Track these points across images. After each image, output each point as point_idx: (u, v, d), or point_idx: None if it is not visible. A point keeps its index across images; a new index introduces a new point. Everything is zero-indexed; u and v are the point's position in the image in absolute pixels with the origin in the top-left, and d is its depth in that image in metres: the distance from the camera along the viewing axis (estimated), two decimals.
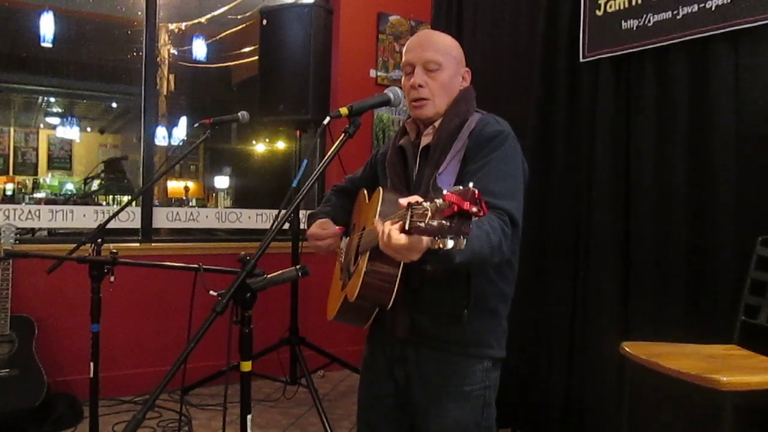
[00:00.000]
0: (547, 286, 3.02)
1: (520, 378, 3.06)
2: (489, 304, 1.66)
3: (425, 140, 1.71)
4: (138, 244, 3.90)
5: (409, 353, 1.70)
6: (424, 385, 1.69)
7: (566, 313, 2.94)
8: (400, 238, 1.16)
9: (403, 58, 1.74)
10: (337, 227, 1.85)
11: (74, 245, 2.45)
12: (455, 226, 1.01)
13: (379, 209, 1.57)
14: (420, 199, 1.11)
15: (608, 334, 2.68)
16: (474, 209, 1.01)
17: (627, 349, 2.23)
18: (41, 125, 8.71)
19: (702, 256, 2.45)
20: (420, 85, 1.67)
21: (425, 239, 1.12)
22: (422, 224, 1.05)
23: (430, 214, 1.04)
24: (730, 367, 2.01)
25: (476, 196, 1.02)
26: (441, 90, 1.68)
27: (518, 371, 3.03)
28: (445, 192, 1.04)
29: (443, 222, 1.02)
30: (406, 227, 1.11)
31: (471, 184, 1.04)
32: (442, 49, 1.71)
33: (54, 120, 8.63)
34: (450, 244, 1.03)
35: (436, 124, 1.70)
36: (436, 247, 1.05)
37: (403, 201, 1.15)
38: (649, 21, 2.63)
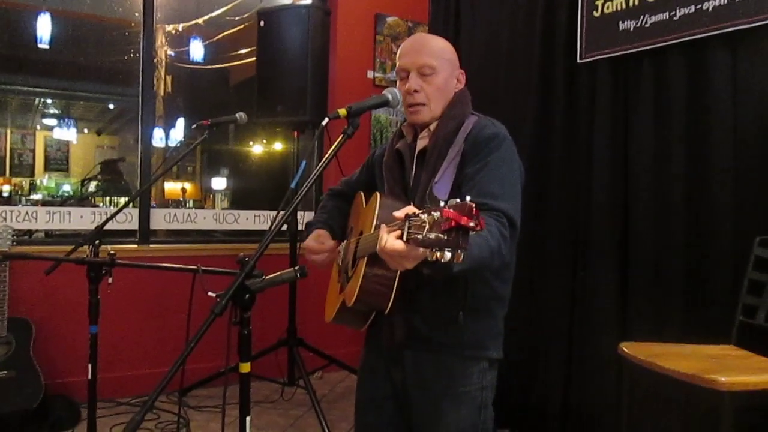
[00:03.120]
0: (545, 286, 3.03)
1: (519, 379, 3.06)
2: (485, 306, 1.66)
3: (421, 143, 1.71)
4: (136, 246, 3.89)
5: (406, 356, 1.70)
6: (421, 387, 1.69)
7: (564, 313, 2.94)
8: (397, 244, 1.18)
9: (398, 63, 1.74)
10: (334, 242, 1.84)
11: (72, 247, 2.44)
12: (453, 240, 1.03)
13: (376, 214, 1.57)
14: (417, 211, 1.12)
15: (606, 334, 2.68)
16: (471, 224, 1.03)
17: (625, 350, 2.23)
18: (38, 127, 8.69)
19: (700, 257, 2.45)
20: (415, 90, 1.67)
21: (422, 249, 1.13)
22: (420, 236, 1.06)
23: (427, 226, 1.05)
24: (729, 368, 2.01)
25: (474, 211, 1.03)
26: (436, 94, 1.69)
27: (516, 372, 3.03)
28: (442, 204, 1.05)
29: (440, 235, 1.03)
30: (404, 238, 1.13)
31: (468, 198, 1.06)
32: (436, 52, 1.71)
33: (51, 121, 8.61)
34: (448, 256, 1.04)
35: (432, 126, 1.70)
36: (434, 258, 1.06)
37: (400, 213, 1.17)
38: (646, 22, 2.64)
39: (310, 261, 1.83)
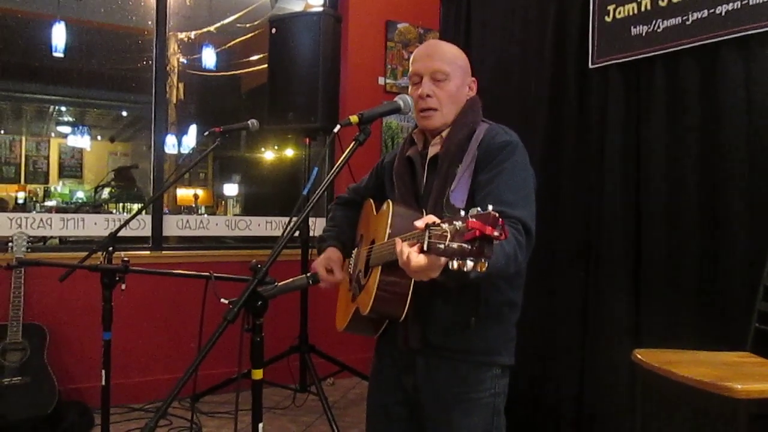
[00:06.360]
0: (558, 292, 3.01)
1: (531, 386, 3.05)
2: (497, 312, 1.66)
3: (433, 150, 1.71)
4: (148, 252, 3.91)
5: (418, 362, 1.70)
6: (433, 393, 1.68)
7: (577, 320, 2.92)
8: (420, 259, 1.18)
9: (411, 68, 1.75)
10: (343, 274, 1.79)
11: (85, 253, 2.46)
12: (476, 250, 1.03)
13: (389, 222, 1.57)
14: (437, 220, 1.11)
15: (619, 341, 2.66)
16: (496, 233, 1.02)
17: (639, 357, 2.21)
18: (52, 134, 8.78)
19: (714, 263, 2.43)
20: (428, 95, 1.68)
21: (443, 258, 1.13)
22: (442, 246, 1.06)
23: (449, 236, 1.05)
24: (744, 375, 1.99)
25: (499, 221, 1.03)
26: (449, 100, 1.69)
27: (529, 379, 3.01)
28: (462, 213, 1.05)
29: (464, 245, 1.03)
30: (425, 248, 1.12)
31: (491, 207, 1.05)
32: (449, 59, 1.72)
33: (65, 129, 8.69)
34: (470, 265, 1.04)
35: (444, 133, 1.70)
36: (456, 267, 1.06)
37: (420, 223, 1.16)
38: (658, 27, 2.62)
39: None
